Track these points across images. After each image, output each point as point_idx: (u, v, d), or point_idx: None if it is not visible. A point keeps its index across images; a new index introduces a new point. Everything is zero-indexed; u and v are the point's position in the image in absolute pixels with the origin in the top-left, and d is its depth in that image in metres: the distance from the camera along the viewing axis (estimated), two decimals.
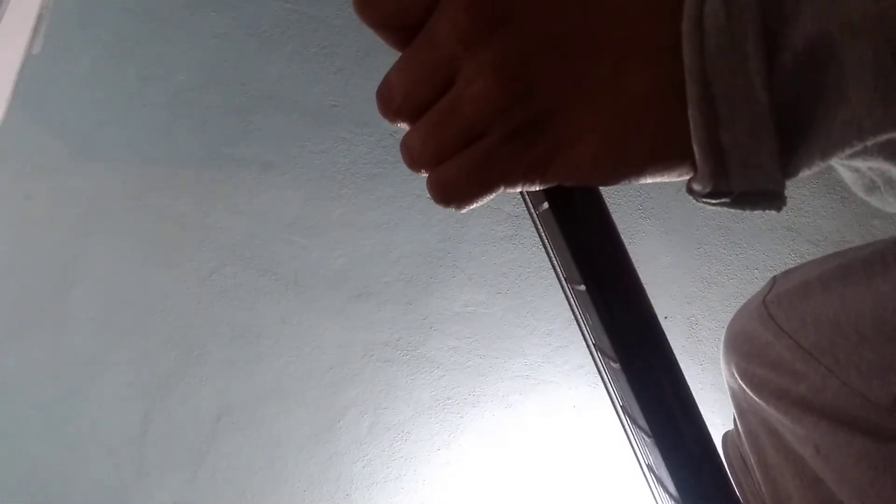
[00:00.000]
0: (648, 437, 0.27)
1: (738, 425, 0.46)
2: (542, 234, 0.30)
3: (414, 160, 0.27)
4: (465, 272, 1.40)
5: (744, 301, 0.47)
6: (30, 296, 1.34)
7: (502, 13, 0.23)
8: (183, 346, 1.35)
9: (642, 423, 0.27)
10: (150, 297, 1.35)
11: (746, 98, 0.21)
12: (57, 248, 1.34)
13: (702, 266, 1.40)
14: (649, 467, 0.30)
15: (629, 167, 0.24)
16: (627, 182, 0.25)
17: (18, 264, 1.34)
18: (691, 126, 0.22)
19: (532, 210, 0.30)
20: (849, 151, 0.22)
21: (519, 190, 0.26)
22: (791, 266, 0.45)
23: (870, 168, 0.24)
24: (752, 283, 1.39)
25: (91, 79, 1.35)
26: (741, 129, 0.22)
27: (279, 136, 1.37)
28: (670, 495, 0.28)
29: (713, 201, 0.24)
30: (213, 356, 1.36)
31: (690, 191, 0.24)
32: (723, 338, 0.47)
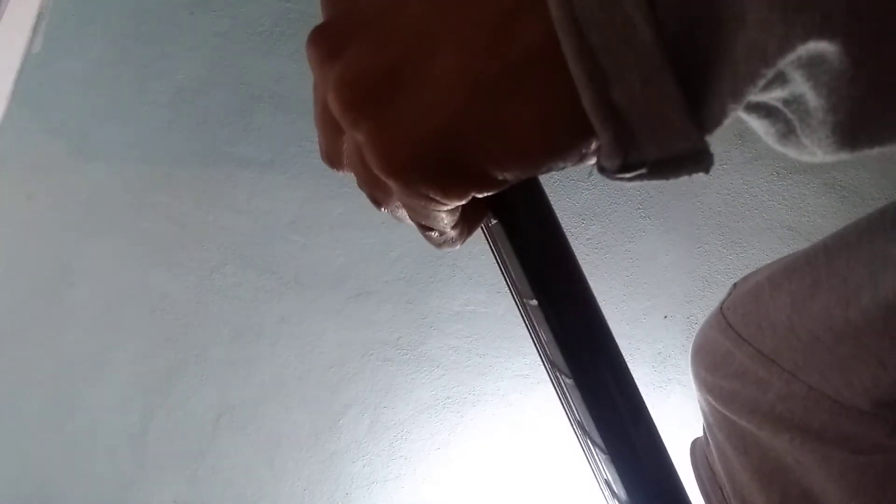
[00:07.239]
0: (604, 453, 0.27)
1: (709, 438, 0.45)
2: (493, 248, 0.30)
3: (374, 202, 0.26)
4: (464, 271, 1.39)
5: None
6: (30, 296, 1.34)
7: (337, 38, 0.21)
8: (183, 346, 1.35)
9: (597, 439, 0.27)
10: (150, 296, 1.35)
11: (629, 40, 0.17)
12: (57, 248, 1.34)
13: (702, 266, 1.40)
14: (607, 483, 0.30)
15: (531, 156, 0.21)
16: (550, 170, 0.22)
17: (18, 264, 1.34)
18: (578, 89, 0.19)
19: (482, 224, 0.30)
20: (761, 83, 0.18)
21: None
22: None
23: (786, 102, 0.20)
24: None
25: (91, 78, 1.35)
26: (633, 79, 0.18)
27: (279, 136, 1.37)
28: None
29: (628, 175, 0.20)
30: (213, 356, 1.36)
31: (602, 170, 0.21)
32: (690, 351, 0.46)
